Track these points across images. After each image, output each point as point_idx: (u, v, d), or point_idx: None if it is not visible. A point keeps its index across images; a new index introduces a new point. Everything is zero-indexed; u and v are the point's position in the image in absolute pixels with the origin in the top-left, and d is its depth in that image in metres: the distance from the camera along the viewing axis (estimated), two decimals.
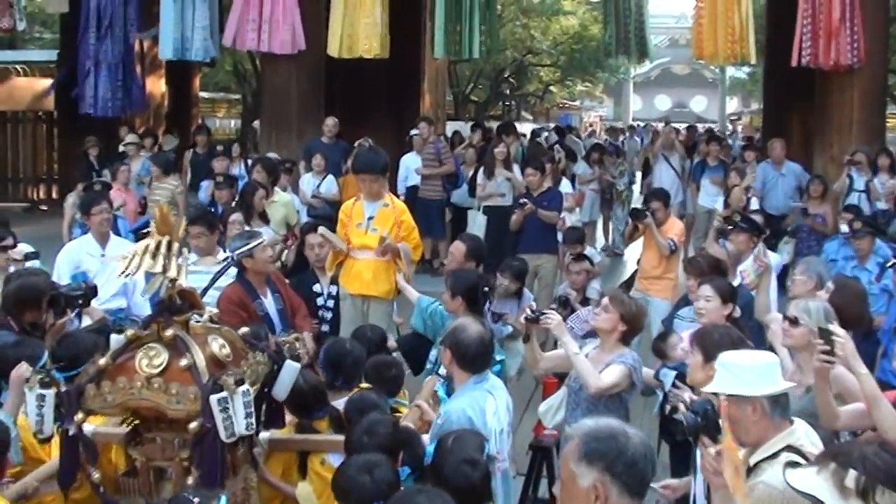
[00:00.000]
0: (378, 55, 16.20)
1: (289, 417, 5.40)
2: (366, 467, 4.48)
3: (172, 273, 4.18)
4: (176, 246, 4.25)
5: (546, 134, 26.67)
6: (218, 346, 4.33)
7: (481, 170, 14.58)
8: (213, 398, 4.04)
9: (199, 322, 4.46)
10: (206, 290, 5.86)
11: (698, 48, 17.38)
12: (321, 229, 9.03)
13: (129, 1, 17.95)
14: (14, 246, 8.38)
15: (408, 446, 4.96)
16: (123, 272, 4.18)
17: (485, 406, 5.52)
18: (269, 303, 8.19)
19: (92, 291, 6.96)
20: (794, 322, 5.89)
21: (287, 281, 8.76)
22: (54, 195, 23.43)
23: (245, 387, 4.11)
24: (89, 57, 17.71)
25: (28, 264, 8.11)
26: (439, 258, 15.09)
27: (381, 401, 5.71)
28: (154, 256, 4.20)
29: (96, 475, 4.50)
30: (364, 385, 6.12)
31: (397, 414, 6.06)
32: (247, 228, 9.70)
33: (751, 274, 8.62)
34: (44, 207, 22.23)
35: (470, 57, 18.08)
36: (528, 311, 6.65)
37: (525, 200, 12.09)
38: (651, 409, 8.01)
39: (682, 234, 11.68)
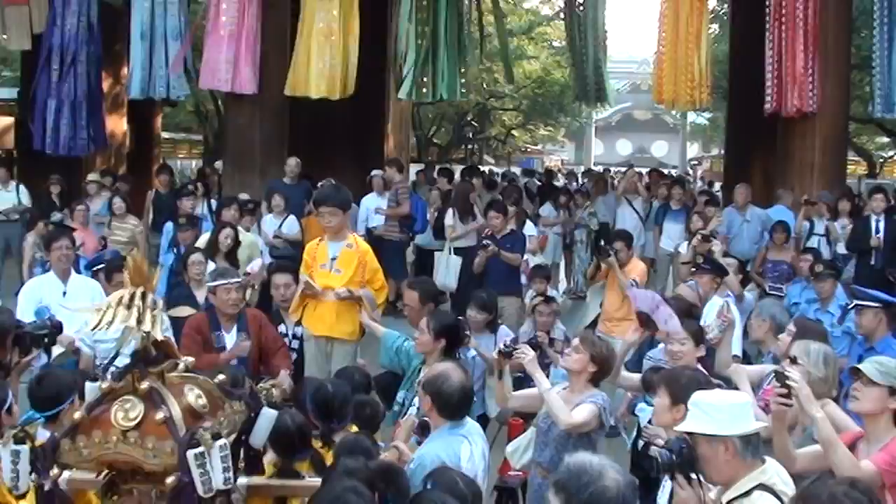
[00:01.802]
0: (342, 96, 16.21)
1: (270, 457, 5.34)
2: (352, 489, 4.37)
3: (147, 326, 4.10)
4: (150, 297, 4.17)
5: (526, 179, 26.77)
6: (194, 396, 4.25)
7: (450, 212, 14.51)
8: (190, 453, 3.96)
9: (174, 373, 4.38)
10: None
11: (658, 93, 17.61)
12: (305, 277, 8.98)
13: (91, 39, 17.83)
14: None
15: (391, 483, 4.86)
16: (96, 326, 4.10)
17: (459, 451, 5.49)
18: (229, 338, 8.24)
19: (57, 328, 6.87)
20: (793, 361, 5.89)
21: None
22: None
23: (222, 441, 4.03)
24: (49, 95, 17.59)
25: None
26: (402, 300, 15.01)
27: (372, 447, 5.64)
28: (128, 308, 4.13)
29: None
30: (353, 428, 6.11)
31: None
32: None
33: (714, 329, 8.66)
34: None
35: (440, 99, 18.05)
36: (503, 346, 6.64)
37: (487, 242, 12.06)
38: (618, 450, 7.98)
39: (643, 274, 11.74)
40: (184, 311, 4.42)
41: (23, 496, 4.40)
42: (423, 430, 6.27)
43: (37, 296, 8.81)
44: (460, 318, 7.97)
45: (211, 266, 10.19)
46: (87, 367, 7.41)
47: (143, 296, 4.18)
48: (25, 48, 18.67)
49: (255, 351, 8.32)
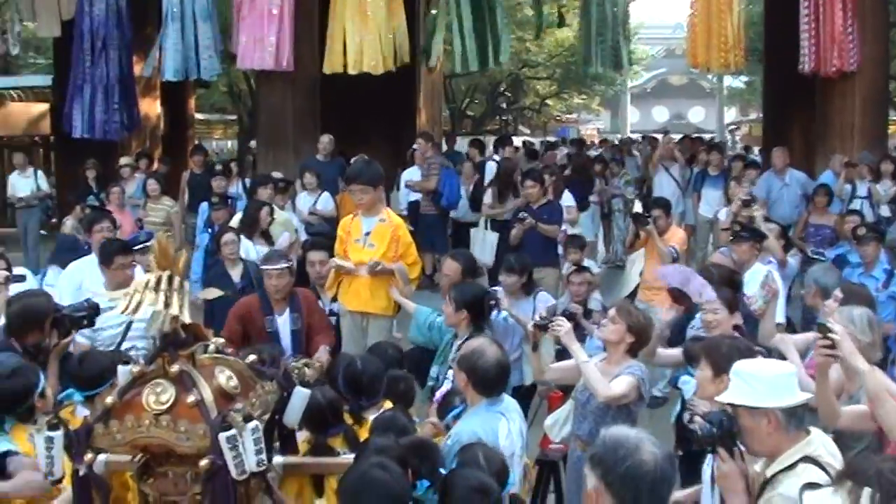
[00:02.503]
0: (385, 70, 16.08)
1: (303, 433, 5.31)
2: (379, 465, 4.31)
3: (175, 310, 4.05)
4: (177, 280, 4.12)
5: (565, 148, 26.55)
6: (225, 378, 4.21)
7: (489, 191, 14.38)
8: (222, 436, 3.93)
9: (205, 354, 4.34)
10: None
11: (692, 56, 17.40)
12: (336, 260, 8.92)
13: (121, 22, 17.82)
14: (8, 269, 8.27)
15: (425, 458, 4.79)
16: (124, 310, 4.06)
17: (497, 428, 5.42)
18: (282, 321, 8.22)
19: (95, 311, 6.84)
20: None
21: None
22: (52, 217, 23.36)
23: (254, 423, 4.00)
24: (83, 80, 17.61)
25: (14, 286, 8.00)
26: (440, 272, 14.99)
27: (410, 423, 5.63)
28: (156, 291, 4.08)
29: None
30: (388, 404, 6.08)
31: None
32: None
33: (758, 300, 8.47)
34: (42, 231, 22.08)
35: (482, 68, 17.86)
36: (538, 318, 6.55)
37: (524, 214, 11.95)
38: (663, 423, 7.88)
39: (683, 242, 11.62)
40: (213, 293, 4.39)
41: (58, 482, 4.38)
42: (441, 409, 6.21)
43: (77, 278, 8.69)
44: (487, 290, 7.88)
45: (246, 246, 10.18)
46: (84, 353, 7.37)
47: (170, 279, 4.14)
48: (55, 35, 18.71)
49: (304, 331, 8.31)
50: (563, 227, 12.63)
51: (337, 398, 5.68)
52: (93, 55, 17.49)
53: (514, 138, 25.74)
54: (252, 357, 4.50)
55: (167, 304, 4.10)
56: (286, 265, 8.38)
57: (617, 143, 33.50)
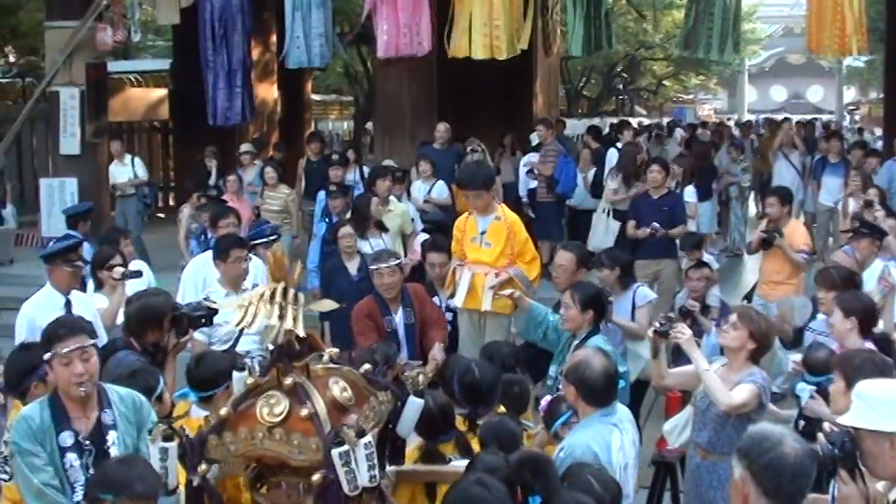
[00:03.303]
0: (510, 55, 15.95)
1: (416, 440, 5.31)
2: (479, 482, 4.26)
3: (289, 324, 4.05)
4: (292, 292, 4.12)
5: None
6: (339, 389, 4.21)
7: (615, 176, 14.21)
8: (335, 452, 3.92)
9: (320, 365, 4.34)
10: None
11: (810, 40, 16.89)
12: (455, 263, 8.95)
13: (243, 8, 17.95)
14: (125, 264, 8.40)
15: (539, 474, 4.73)
16: (239, 323, 4.07)
17: (610, 440, 5.33)
18: (398, 319, 8.27)
19: (213, 311, 6.91)
20: None
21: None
22: (171, 203, 23.76)
23: (367, 439, 3.99)
24: (207, 67, 17.76)
25: (130, 283, 8.13)
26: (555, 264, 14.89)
27: (518, 429, 5.60)
28: (270, 303, 4.09)
29: None
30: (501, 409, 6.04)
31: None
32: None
33: (875, 295, 8.25)
34: (161, 215, 22.47)
35: (599, 50, 17.61)
36: (658, 325, 6.43)
37: (657, 226, 11.62)
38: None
39: (805, 237, 11.26)
40: (327, 304, 4.39)
41: (172, 493, 4.43)
42: (548, 417, 6.11)
43: (200, 274, 8.73)
44: (600, 287, 7.79)
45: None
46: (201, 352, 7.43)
47: (285, 291, 4.14)
48: (174, 22, 18.93)
49: (417, 325, 8.34)
50: None
51: (448, 404, 5.63)
52: (214, 42, 17.63)
53: (630, 119, 25.43)
54: (366, 366, 4.50)
55: (281, 317, 4.11)
56: (396, 263, 8.40)
57: (735, 124, 32.91)
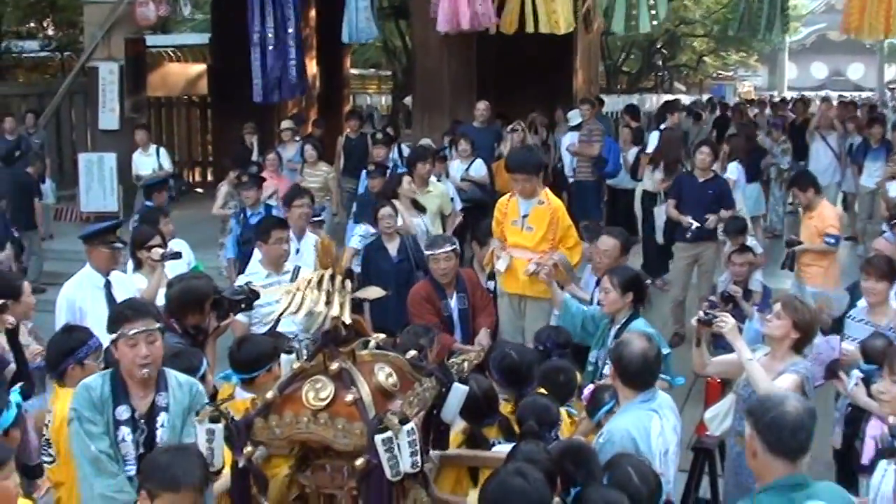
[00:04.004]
0: (566, 30, 15.86)
1: (460, 423, 5.32)
2: (518, 472, 4.22)
3: (335, 311, 4.08)
4: (339, 279, 4.15)
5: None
6: (384, 375, 4.24)
7: (661, 167, 14.09)
8: (378, 438, 3.95)
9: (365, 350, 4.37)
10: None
11: (847, 21, 16.61)
12: (495, 243, 8.92)
13: None
14: (164, 244, 8.41)
15: (580, 464, 4.72)
16: (286, 309, 4.10)
17: (650, 427, 5.30)
18: (453, 303, 8.34)
19: (254, 295, 6.94)
20: None
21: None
22: (209, 178, 23.83)
23: (410, 425, 4.01)
24: (257, 42, 17.70)
25: (168, 265, 8.14)
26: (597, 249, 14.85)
27: (553, 404, 5.61)
28: (318, 290, 4.11)
29: None
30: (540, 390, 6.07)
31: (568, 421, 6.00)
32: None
33: None
34: (199, 190, 22.55)
35: (640, 30, 17.45)
36: (702, 314, 6.41)
37: (698, 226, 11.54)
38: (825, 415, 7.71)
39: (835, 220, 11.06)
40: (375, 292, 4.41)
41: (218, 473, 4.47)
42: (591, 406, 6.10)
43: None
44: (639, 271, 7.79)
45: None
46: (243, 332, 7.45)
47: (332, 278, 4.16)
48: None
49: (470, 310, 8.41)
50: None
51: (492, 388, 5.66)
52: (263, 16, 17.60)
53: (682, 98, 25.16)
54: (412, 353, 4.52)
55: (328, 303, 4.13)
56: (451, 248, 8.40)
57: (776, 101, 32.53)
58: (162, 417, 4.97)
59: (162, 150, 17.01)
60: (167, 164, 16.81)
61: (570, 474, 4.55)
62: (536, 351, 6.61)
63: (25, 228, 14.51)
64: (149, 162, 16.64)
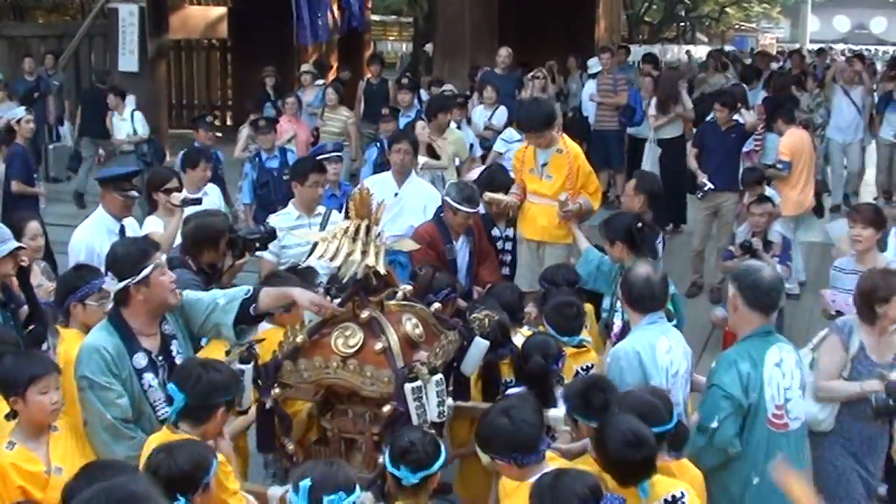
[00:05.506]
0: None
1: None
2: (504, 410, 4.15)
3: (371, 260, 4.10)
4: (375, 230, 4.17)
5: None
6: (411, 326, 4.29)
7: (653, 101, 14.13)
8: (408, 387, 4.00)
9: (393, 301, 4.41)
10: None
11: None
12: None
13: None
14: (180, 188, 8.29)
15: (607, 392, 4.62)
16: (321, 256, 4.12)
17: (655, 343, 5.38)
18: (459, 246, 8.24)
19: (271, 236, 6.93)
20: None
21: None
22: (228, 122, 23.74)
23: (438, 376, 4.07)
24: None
25: (188, 211, 7.99)
26: (615, 189, 14.83)
27: (552, 340, 5.68)
28: (353, 240, 4.14)
29: (290, 446, 4.54)
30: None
31: (583, 348, 6.11)
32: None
33: None
34: (218, 134, 22.43)
35: None
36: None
37: (705, 184, 11.60)
38: None
39: (791, 147, 11.71)
40: (409, 244, 4.45)
41: (244, 412, 4.50)
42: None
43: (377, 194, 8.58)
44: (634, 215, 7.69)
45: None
46: (270, 270, 7.40)
47: (368, 229, 4.18)
48: None
49: (476, 255, 8.36)
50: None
51: (504, 319, 5.63)
52: None
53: (690, 47, 24.97)
54: (437, 305, 4.54)
55: (364, 253, 4.15)
56: (475, 210, 8.24)
57: (808, 53, 31.86)
58: (174, 345, 4.86)
59: (138, 113, 15.87)
60: (142, 130, 15.68)
61: (593, 405, 4.52)
62: (557, 287, 6.75)
63: None
64: (123, 126, 15.72)
